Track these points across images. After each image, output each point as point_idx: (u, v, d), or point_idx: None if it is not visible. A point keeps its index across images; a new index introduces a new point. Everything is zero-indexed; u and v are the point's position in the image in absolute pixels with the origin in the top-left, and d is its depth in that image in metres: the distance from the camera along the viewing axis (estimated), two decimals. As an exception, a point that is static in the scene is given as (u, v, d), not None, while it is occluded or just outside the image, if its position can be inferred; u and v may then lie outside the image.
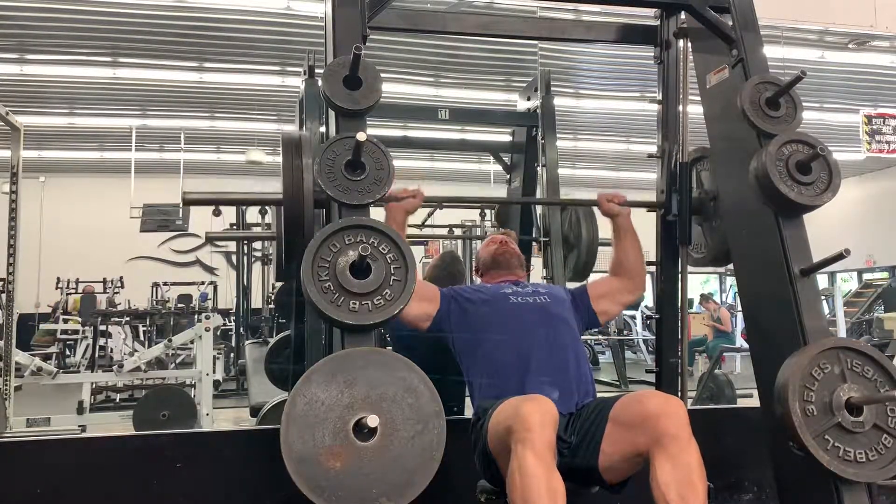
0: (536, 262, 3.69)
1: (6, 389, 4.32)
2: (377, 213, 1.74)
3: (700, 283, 14.06)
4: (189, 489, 2.43)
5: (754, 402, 2.01)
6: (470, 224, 7.79)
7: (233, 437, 3.11)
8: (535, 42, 6.09)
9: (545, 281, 3.49)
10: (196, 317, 8.63)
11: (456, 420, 2.10)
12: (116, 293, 11.19)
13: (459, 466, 1.91)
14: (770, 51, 6.39)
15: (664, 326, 2.52)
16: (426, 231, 7.23)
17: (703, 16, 2.16)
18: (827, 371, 1.61)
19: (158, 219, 8.91)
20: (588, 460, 1.85)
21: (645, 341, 11.13)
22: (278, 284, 6.83)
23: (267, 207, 7.77)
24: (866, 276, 13.54)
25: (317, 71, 3.44)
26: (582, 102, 9.72)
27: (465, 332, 2.17)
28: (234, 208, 8.26)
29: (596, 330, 10.13)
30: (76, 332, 9.61)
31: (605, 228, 2.72)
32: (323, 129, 3.25)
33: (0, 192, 6.33)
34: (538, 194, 3.76)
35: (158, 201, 9.05)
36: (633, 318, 11.55)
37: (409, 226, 2.29)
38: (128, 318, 9.21)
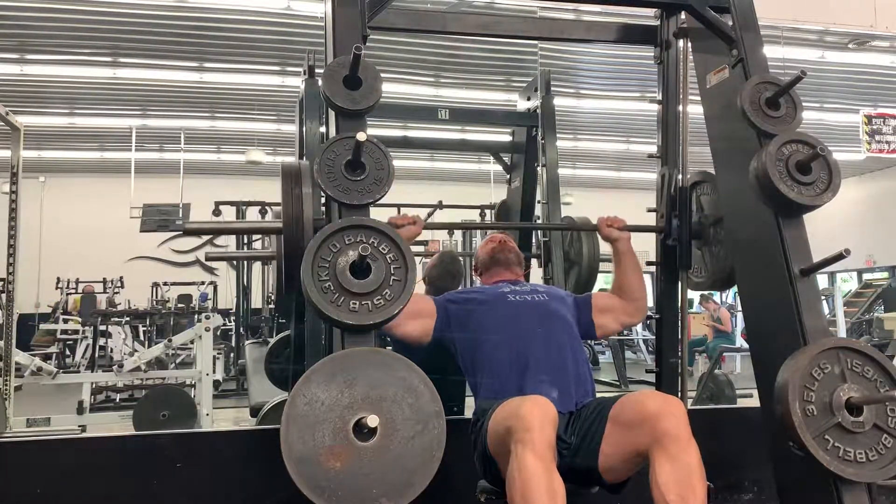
0: (536, 269, 3.69)
1: (6, 389, 4.32)
2: (377, 213, 1.74)
3: (700, 283, 14.03)
4: (189, 489, 2.43)
5: (754, 402, 2.01)
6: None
7: (233, 437, 3.11)
8: (535, 42, 6.10)
9: (545, 280, 3.49)
10: (196, 317, 8.64)
11: (456, 420, 2.11)
12: (116, 293, 11.20)
13: (459, 466, 1.91)
14: (770, 51, 6.39)
15: (664, 326, 2.52)
16: (426, 232, 7.21)
17: (703, 16, 2.16)
18: (827, 371, 1.61)
19: (158, 219, 8.89)
20: (588, 461, 1.85)
21: (645, 341, 11.13)
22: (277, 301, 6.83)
23: (267, 208, 7.78)
24: (866, 276, 13.54)
25: (317, 71, 3.44)
26: (582, 102, 9.72)
27: (465, 333, 2.17)
28: (233, 208, 8.26)
29: (594, 339, 10.15)
30: (76, 332, 9.61)
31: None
32: (323, 129, 3.25)
33: (0, 192, 6.34)
34: (538, 194, 3.76)
35: (158, 201, 9.04)
36: (634, 318, 11.52)
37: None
38: (128, 318, 9.22)
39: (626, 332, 10.83)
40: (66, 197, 12.77)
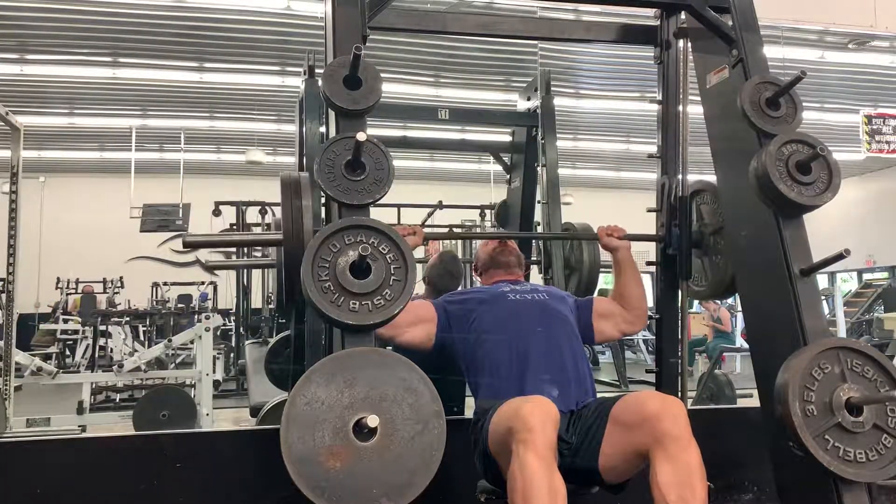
0: (537, 267, 3.69)
1: (6, 389, 4.31)
2: (377, 213, 1.74)
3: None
4: (189, 489, 2.43)
5: (754, 402, 2.01)
6: (470, 224, 7.79)
7: (233, 437, 3.11)
8: (535, 42, 6.09)
9: (544, 280, 3.49)
10: (196, 317, 8.64)
11: (456, 420, 2.11)
12: (116, 293, 11.19)
13: (459, 466, 1.91)
14: (770, 51, 6.39)
15: (664, 326, 2.52)
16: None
17: (703, 16, 2.16)
18: (827, 371, 1.61)
19: (158, 219, 8.90)
20: (588, 461, 1.85)
21: (645, 341, 11.12)
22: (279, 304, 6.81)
23: (267, 208, 7.78)
24: (866, 276, 13.54)
25: (317, 71, 3.44)
26: (582, 102, 9.72)
27: (465, 332, 2.18)
28: (234, 208, 8.26)
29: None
30: (76, 332, 9.61)
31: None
32: (323, 129, 3.25)
33: (0, 192, 6.34)
34: (538, 194, 3.76)
35: (158, 201, 9.05)
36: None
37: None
38: (128, 318, 9.21)
39: (626, 333, 10.84)
40: (66, 197, 12.77)
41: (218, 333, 7.41)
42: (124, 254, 12.32)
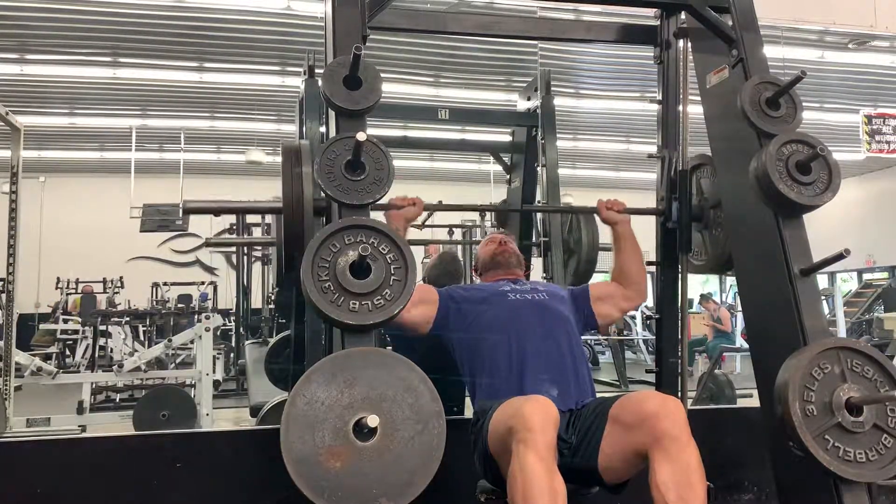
0: (536, 262, 3.69)
1: (6, 389, 4.32)
2: (377, 213, 1.74)
3: (700, 283, 14.06)
4: (189, 489, 2.43)
5: (754, 402, 2.01)
6: (470, 224, 7.78)
7: (233, 437, 3.11)
8: (535, 42, 6.09)
9: (545, 279, 3.49)
10: (196, 317, 8.64)
11: (456, 420, 2.11)
12: (116, 293, 11.19)
13: (459, 466, 1.90)
14: (770, 51, 6.39)
15: (664, 326, 2.52)
16: (426, 231, 7.22)
17: (703, 16, 2.16)
18: (827, 371, 1.61)
19: (158, 219, 8.89)
20: (588, 460, 1.85)
21: (645, 341, 11.13)
22: (278, 287, 6.81)
23: (267, 207, 7.76)
24: (866, 276, 13.54)
25: (317, 71, 3.44)
26: (582, 102, 9.72)
27: (464, 330, 2.17)
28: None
29: (596, 330, 10.13)
30: (76, 332, 9.60)
31: (605, 232, 2.72)
32: (323, 129, 3.25)
33: (0, 192, 6.34)
34: (538, 194, 3.76)
35: (158, 201, 9.04)
36: (633, 318, 11.55)
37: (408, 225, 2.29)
38: (128, 318, 9.21)
39: (626, 332, 10.86)
40: (66, 197, 12.76)
41: (218, 333, 7.40)
42: (124, 254, 12.32)
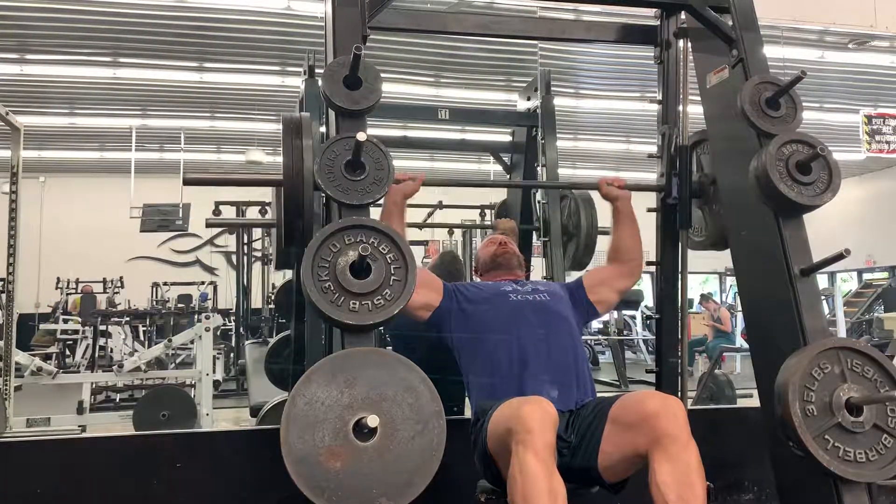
0: (537, 262, 3.69)
1: (6, 389, 4.31)
2: (377, 213, 1.74)
3: (700, 283, 14.06)
4: (189, 489, 2.43)
5: (754, 402, 2.01)
6: (470, 224, 7.78)
7: (233, 437, 3.11)
8: (535, 42, 6.09)
9: (545, 278, 3.49)
10: (196, 317, 8.64)
11: (456, 420, 2.11)
12: (116, 293, 11.19)
13: (459, 466, 1.91)
14: (770, 51, 6.39)
15: (664, 326, 2.52)
16: (426, 231, 7.23)
17: (703, 16, 2.16)
18: (827, 371, 1.61)
19: (158, 219, 8.90)
20: (588, 460, 1.85)
21: (645, 341, 11.13)
22: (278, 284, 6.82)
23: (267, 208, 7.78)
24: (866, 276, 13.54)
25: (317, 71, 3.44)
26: (582, 102, 9.71)
27: (465, 330, 2.17)
28: (234, 208, 8.26)
29: (596, 330, 10.14)
30: (76, 332, 9.61)
31: (604, 217, 2.72)
32: (323, 129, 3.25)
33: (0, 192, 6.34)
34: (538, 194, 3.76)
35: (158, 201, 9.04)
36: (633, 318, 11.55)
37: (408, 226, 2.29)
38: (128, 318, 9.21)
39: (626, 332, 10.85)
40: (66, 197, 12.76)
41: (218, 333, 7.41)
42: (124, 254, 12.32)
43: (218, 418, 5.41)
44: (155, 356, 6.11)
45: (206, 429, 4.72)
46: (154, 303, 11.24)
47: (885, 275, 13.23)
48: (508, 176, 4.16)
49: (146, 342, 9.51)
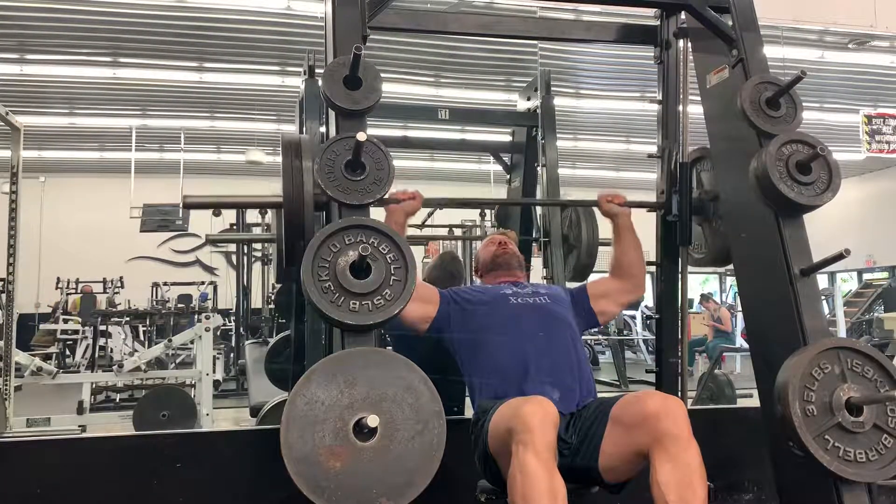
0: (536, 262, 3.68)
1: (6, 389, 4.31)
2: (377, 213, 1.74)
3: (700, 283, 14.05)
4: (189, 489, 2.43)
5: (754, 402, 2.01)
6: (470, 224, 7.79)
7: (233, 437, 3.11)
8: (535, 42, 6.08)
9: (545, 281, 3.49)
10: (196, 317, 8.63)
11: (456, 420, 2.11)
12: (116, 293, 11.19)
13: (459, 466, 1.91)
14: (770, 51, 6.39)
15: (664, 326, 2.52)
16: (426, 231, 7.22)
17: (703, 16, 2.16)
18: (827, 371, 1.61)
19: (158, 219, 8.91)
20: (588, 460, 1.85)
21: (645, 341, 11.12)
22: (278, 284, 6.81)
23: (267, 208, 7.77)
24: (866, 276, 13.54)
25: (317, 71, 3.44)
26: (582, 102, 9.71)
27: (465, 333, 2.17)
28: (234, 208, 8.25)
29: (596, 330, 10.14)
30: (76, 332, 9.60)
31: (605, 228, 2.72)
32: (323, 129, 3.25)
33: (0, 192, 6.34)
34: (538, 194, 3.76)
35: (158, 201, 9.04)
36: (633, 318, 11.55)
37: (409, 226, 2.29)
38: (128, 318, 9.20)
39: (626, 332, 10.86)
40: (66, 197, 12.76)
41: (218, 333, 7.41)
42: (124, 254, 12.32)
43: (218, 418, 5.41)
44: (155, 356, 6.11)
45: (206, 429, 4.71)
46: (154, 303, 11.23)
47: (885, 275, 13.23)
48: (508, 176, 4.16)
49: (146, 342, 9.50)
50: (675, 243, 2.45)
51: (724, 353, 7.82)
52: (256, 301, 8.82)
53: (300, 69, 4.08)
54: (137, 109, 9.81)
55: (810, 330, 1.75)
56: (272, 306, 7.90)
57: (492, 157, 4.61)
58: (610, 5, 4.26)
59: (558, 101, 3.96)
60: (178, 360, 8.36)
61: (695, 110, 2.39)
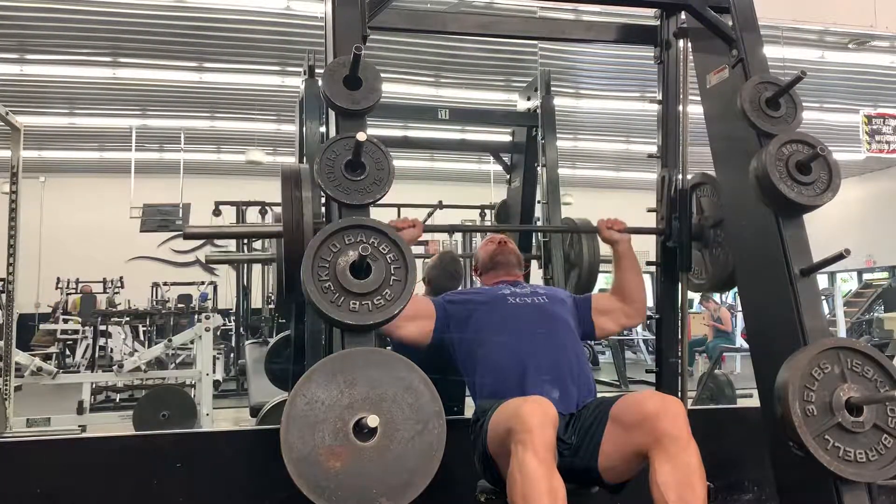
0: (536, 262, 3.68)
1: (6, 389, 4.31)
2: (377, 213, 1.74)
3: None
4: (189, 489, 2.43)
5: (754, 402, 2.01)
6: (470, 224, 7.77)
7: (233, 437, 3.11)
8: (535, 42, 6.09)
9: (545, 280, 3.49)
10: (196, 317, 8.63)
11: (456, 420, 2.10)
12: (116, 293, 11.19)
13: (459, 466, 1.91)
14: (770, 51, 6.39)
15: (664, 326, 2.52)
16: (426, 232, 7.20)
17: (703, 16, 2.16)
18: (827, 371, 1.61)
19: (158, 219, 8.90)
20: (588, 461, 1.85)
21: (645, 341, 11.12)
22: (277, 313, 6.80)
23: (267, 208, 7.78)
24: (866, 276, 13.54)
25: (317, 71, 3.44)
26: (582, 102, 9.72)
27: (465, 332, 2.18)
28: (234, 209, 8.27)
29: (592, 340, 10.12)
30: (76, 332, 9.61)
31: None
32: (323, 129, 3.25)
33: (0, 192, 6.34)
34: (538, 194, 3.76)
35: (158, 201, 9.04)
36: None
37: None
38: (128, 318, 9.20)
39: (626, 332, 10.83)
40: (66, 197, 12.77)
41: (218, 333, 7.41)
42: (124, 254, 12.32)
43: (218, 418, 5.41)
44: (155, 356, 6.11)
45: (206, 429, 4.71)
46: (154, 303, 11.23)
47: (885, 275, 13.24)
48: (508, 176, 4.16)
49: (146, 342, 9.50)
50: (674, 269, 2.45)
51: (724, 353, 7.82)
52: (256, 301, 8.83)
53: (300, 69, 4.08)
54: (137, 109, 9.82)
55: (810, 330, 1.75)
56: (272, 306, 7.90)
57: (492, 157, 4.61)
58: (610, 5, 4.27)
59: (558, 101, 3.96)
60: (178, 360, 8.36)
61: (695, 110, 2.39)
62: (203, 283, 11.75)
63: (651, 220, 2.57)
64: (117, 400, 6.74)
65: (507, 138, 4.20)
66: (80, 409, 5.20)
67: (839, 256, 1.73)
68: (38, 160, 11.52)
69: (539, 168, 3.69)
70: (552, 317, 2.21)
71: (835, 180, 1.82)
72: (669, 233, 2.44)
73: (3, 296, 5.05)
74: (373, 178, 1.71)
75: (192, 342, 6.26)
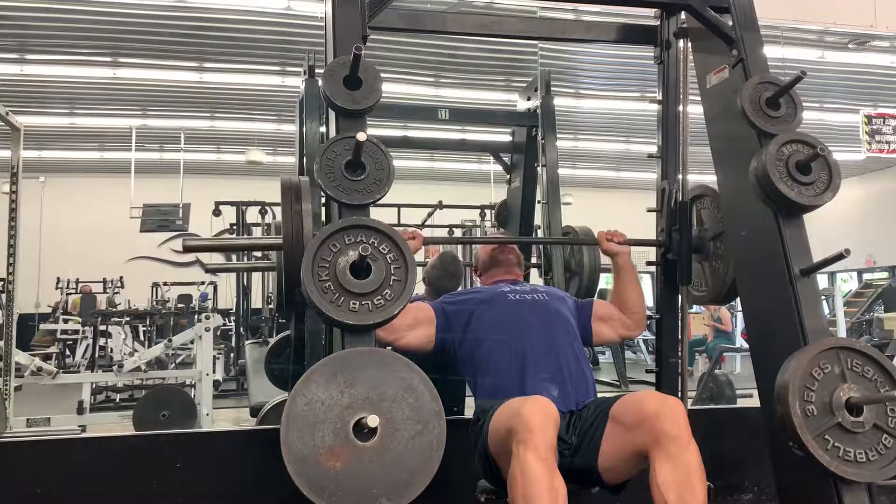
0: (537, 270, 3.67)
1: (6, 389, 4.31)
2: (377, 213, 1.74)
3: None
4: (189, 489, 2.43)
5: (754, 402, 2.01)
6: (470, 224, 7.79)
7: (233, 437, 3.10)
8: (535, 42, 6.09)
9: (545, 280, 3.49)
10: (196, 317, 8.63)
11: (456, 420, 2.10)
12: (116, 293, 11.19)
13: (459, 466, 1.90)
14: (770, 51, 6.39)
15: (664, 326, 2.52)
16: (426, 231, 7.21)
17: (703, 16, 2.16)
18: (827, 371, 1.61)
19: (158, 219, 8.90)
20: (588, 461, 1.85)
21: (645, 341, 11.12)
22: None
23: (267, 208, 7.79)
24: (866, 276, 13.53)
25: (317, 71, 3.44)
26: (582, 102, 9.72)
27: (465, 331, 2.18)
28: (234, 209, 8.27)
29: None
30: (76, 332, 9.61)
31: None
32: (323, 129, 3.25)
33: (0, 192, 6.34)
34: (538, 194, 3.76)
35: (158, 201, 9.05)
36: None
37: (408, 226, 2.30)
38: (128, 318, 9.21)
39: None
40: (66, 197, 12.77)
41: (218, 333, 7.41)
42: (124, 254, 12.32)
43: (218, 418, 5.41)
44: (155, 356, 6.11)
45: (206, 429, 4.71)
46: (154, 303, 11.23)
47: (885, 275, 13.23)
48: (508, 176, 4.16)
49: (146, 342, 9.50)
50: (674, 281, 2.45)
51: (724, 353, 7.82)
52: (256, 301, 8.83)
53: (300, 69, 4.08)
54: (137, 109, 9.82)
55: (810, 330, 1.75)
56: (272, 306, 7.90)
57: (492, 157, 4.61)
58: (610, 5, 4.26)
59: (558, 101, 3.96)
60: (178, 360, 8.36)
61: (695, 110, 2.39)
62: (203, 283, 11.76)
63: (651, 220, 2.57)
64: (117, 400, 6.74)
65: (507, 138, 4.20)
66: (80, 409, 5.20)
67: (839, 256, 1.73)
68: (38, 160, 11.52)
69: (539, 168, 3.68)
70: (552, 314, 2.21)
71: (835, 180, 1.82)
72: (670, 245, 2.44)
73: (3, 296, 5.05)
74: (373, 178, 1.71)
75: (192, 342, 6.26)
